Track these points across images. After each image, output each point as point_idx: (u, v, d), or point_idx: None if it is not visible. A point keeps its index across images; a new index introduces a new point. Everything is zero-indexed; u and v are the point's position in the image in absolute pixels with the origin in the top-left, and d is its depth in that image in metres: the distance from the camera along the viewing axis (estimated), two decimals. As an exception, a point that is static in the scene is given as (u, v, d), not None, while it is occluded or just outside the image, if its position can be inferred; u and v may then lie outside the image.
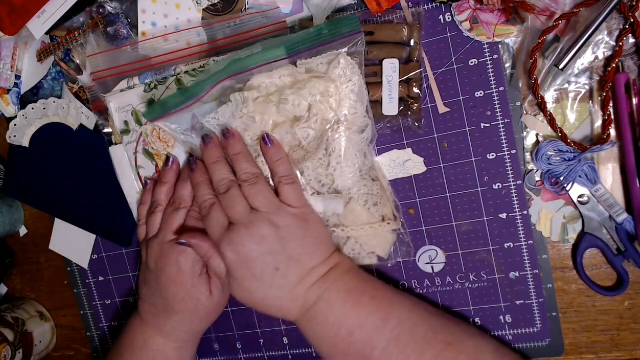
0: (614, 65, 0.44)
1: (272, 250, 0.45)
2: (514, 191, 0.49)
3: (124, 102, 0.52)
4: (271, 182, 0.48)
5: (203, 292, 0.50)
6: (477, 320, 0.52)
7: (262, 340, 0.60)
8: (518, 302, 0.51)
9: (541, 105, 0.47)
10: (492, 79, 0.48)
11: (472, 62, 0.49)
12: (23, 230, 0.68)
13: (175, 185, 0.52)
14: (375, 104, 0.49)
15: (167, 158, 0.53)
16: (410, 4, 0.49)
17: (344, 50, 0.46)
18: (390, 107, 0.49)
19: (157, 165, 0.53)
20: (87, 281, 0.65)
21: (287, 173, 0.47)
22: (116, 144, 0.56)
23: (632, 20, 0.43)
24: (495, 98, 0.48)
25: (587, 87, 0.47)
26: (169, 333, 0.52)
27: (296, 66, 0.47)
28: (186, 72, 0.50)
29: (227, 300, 0.54)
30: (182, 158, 0.53)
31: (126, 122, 0.53)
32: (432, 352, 0.43)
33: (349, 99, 0.46)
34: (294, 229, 0.46)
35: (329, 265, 0.47)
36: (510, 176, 0.49)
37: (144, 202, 0.54)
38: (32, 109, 0.59)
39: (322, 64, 0.47)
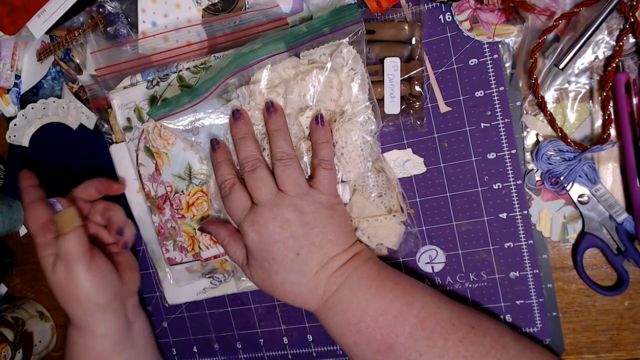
0: (614, 65, 0.44)
1: (295, 234, 0.45)
2: (514, 191, 0.49)
3: (126, 99, 0.52)
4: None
5: (45, 269, 0.52)
6: (477, 320, 0.52)
7: (262, 340, 0.60)
8: (518, 302, 0.51)
9: (541, 105, 0.47)
10: (492, 78, 0.48)
11: (472, 62, 0.49)
12: (23, 230, 0.67)
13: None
14: (377, 103, 0.49)
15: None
16: (410, 3, 0.49)
17: (345, 40, 0.46)
18: (392, 105, 0.49)
19: (156, 164, 0.53)
20: (87, 281, 0.65)
21: (329, 158, 0.47)
22: (116, 142, 0.56)
23: (632, 20, 0.43)
24: (495, 98, 0.48)
25: (587, 87, 0.47)
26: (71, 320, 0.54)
27: (299, 57, 0.47)
28: (187, 68, 0.50)
29: (75, 282, 0.50)
30: (181, 156, 0.52)
31: (128, 119, 0.53)
32: (457, 336, 0.43)
33: (351, 88, 0.46)
34: (319, 215, 0.45)
35: (350, 253, 0.46)
36: (510, 176, 0.49)
37: None
38: (32, 108, 0.59)
39: (325, 54, 0.47)
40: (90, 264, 0.50)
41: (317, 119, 0.47)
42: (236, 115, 0.48)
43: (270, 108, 0.47)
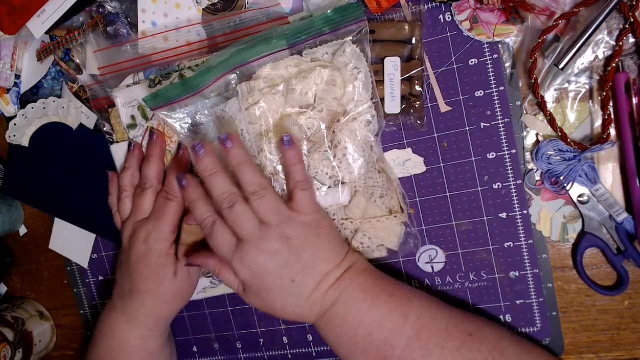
0: (614, 65, 0.44)
1: (287, 262, 0.44)
2: (514, 191, 0.49)
3: (130, 97, 0.52)
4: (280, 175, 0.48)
5: (167, 272, 0.50)
6: (477, 319, 0.52)
7: (262, 340, 0.60)
8: (518, 302, 0.51)
9: (541, 105, 0.47)
10: (492, 78, 0.48)
11: (472, 62, 0.49)
12: (23, 230, 0.68)
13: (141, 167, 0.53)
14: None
15: (130, 144, 0.54)
16: (410, 3, 0.49)
17: (348, 38, 0.46)
18: (393, 105, 0.49)
19: None
20: (87, 281, 0.65)
21: (303, 178, 0.46)
22: (117, 142, 0.56)
23: (632, 20, 0.43)
24: (495, 98, 0.48)
25: (587, 87, 0.47)
26: (132, 317, 0.52)
27: (302, 56, 0.47)
28: (189, 67, 0.50)
29: (193, 287, 0.54)
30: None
31: (133, 117, 0.53)
32: (454, 344, 0.43)
33: (354, 87, 0.46)
34: (306, 238, 0.45)
35: (344, 267, 0.46)
36: (510, 176, 0.49)
37: (110, 193, 0.55)
38: (32, 108, 0.59)
39: (328, 53, 0.47)
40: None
41: (285, 141, 0.45)
42: (198, 149, 0.45)
43: (225, 141, 0.45)
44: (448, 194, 0.51)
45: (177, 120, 0.48)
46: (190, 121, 0.49)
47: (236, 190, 0.45)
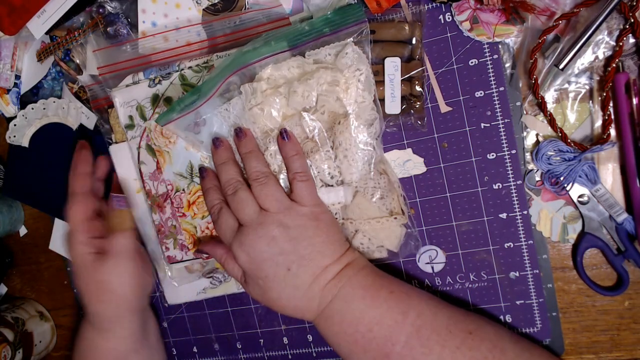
0: (614, 65, 0.44)
1: (283, 250, 0.45)
2: (514, 191, 0.49)
3: (129, 97, 0.52)
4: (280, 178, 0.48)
5: (87, 273, 0.50)
6: (477, 320, 0.52)
7: (262, 340, 0.60)
8: (518, 302, 0.51)
9: (541, 105, 0.47)
10: (492, 78, 0.48)
11: (472, 62, 0.49)
12: (23, 230, 0.68)
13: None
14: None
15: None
16: (410, 3, 0.49)
17: (350, 39, 0.46)
18: (393, 105, 0.49)
19: (157, 162, 0.53)
20: (87, 281, 0.65)
21: (302, 169, 0.47)
22: (116, 142, 0.56)
23: (632, 20, 0.43)
24: (495, 98, 0.48)
25: (587, 87, 0.47)
26: (88, 320, 0.54)
27: (304, 57, 0.47)
28: (189, 67, 0.50)
29: (123, 281, 0.51)
30: (182, 154, 0.52)
31: (131, 117, 0.53)
32: (454, 342, 0.43)
33: (356, 88, 0.46)
34: (304, 228, 0.46)
35: (343, 263, 0.46)
36: (510, 176, 0.49)
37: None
38: (32, 109, 0.59)
39: (330, 54, 0.47)
40: (137, 263, 0.51)
41: (282, 135, 0.47)
42: (217, 143, 0.49)
43: (239, 133, 0.48)
44: (448, 195, 0.51)
45: (179, 125, 0.49)
46: (191, 122, 0.49)
47: (241, 179, 0.48)
